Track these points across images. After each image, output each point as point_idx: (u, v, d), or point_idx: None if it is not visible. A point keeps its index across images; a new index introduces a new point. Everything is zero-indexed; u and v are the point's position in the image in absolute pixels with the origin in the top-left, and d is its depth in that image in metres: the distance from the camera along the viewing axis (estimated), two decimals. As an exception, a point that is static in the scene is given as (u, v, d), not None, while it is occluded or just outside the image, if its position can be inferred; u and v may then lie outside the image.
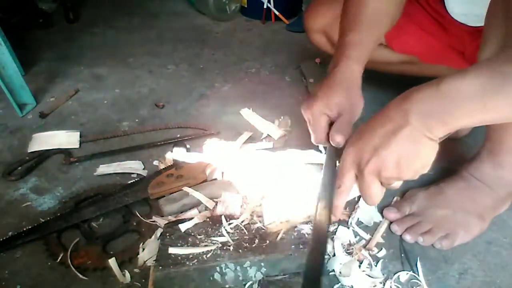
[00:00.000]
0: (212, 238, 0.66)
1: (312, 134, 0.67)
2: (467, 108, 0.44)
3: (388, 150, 0.49)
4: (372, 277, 0.67)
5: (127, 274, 0.67)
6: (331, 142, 0.62)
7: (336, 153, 0.62)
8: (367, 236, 0.74)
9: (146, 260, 0.69)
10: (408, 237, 0.73)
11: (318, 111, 0.65)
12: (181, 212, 0.77)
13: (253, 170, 0.84)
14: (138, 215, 0.77)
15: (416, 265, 0.69)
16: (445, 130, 0.47)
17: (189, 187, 0.79)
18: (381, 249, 0.72)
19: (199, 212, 0.76)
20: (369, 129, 0.51)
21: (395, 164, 0.49)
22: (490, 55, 0.55)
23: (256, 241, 0.65)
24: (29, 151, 0.95)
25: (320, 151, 0.85)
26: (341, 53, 0.67)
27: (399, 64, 0.98)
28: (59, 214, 0.77)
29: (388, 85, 1.17)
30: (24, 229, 0.74)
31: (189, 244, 0.64)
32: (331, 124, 0.65)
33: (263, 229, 0.68)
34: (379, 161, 0.50)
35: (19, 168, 0.91)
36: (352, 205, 0.78)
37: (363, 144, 0.51)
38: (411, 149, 0.48)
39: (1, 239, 0.72)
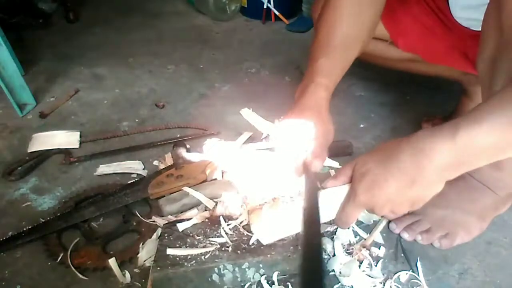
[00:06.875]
0: (211, 239, 0.66)
1: (286, 164, 0.64)
2: (485, 158, 0.46)
3: (403, 199, 0.52)
4: (372, 277, 0.67)
5: (127, 274, 0.67)
6: (311, 168, 0.60)
7: (315, 178, 0.60)
8: (367, 236, 0.74)
9: (145, 260, 0.69)
10: (406, 235, 0.73)
11: (291, 138, 0.63)
12: (181, 212, 0.77)
13: (253, 170, 0.84)
14: (138, 215, 0.77)
15: (416, 265, 0.69)
16: (459, 174, 0.49)
17: (189, 187, 0.79)
18: (380, 247, 0.72)
19: (199, 212, 0.76)
20: (380, 178, 0.51)
21: (409, 205, 0.53)
22: (487, 60, 0.56)
23: (255, 242, 0.65)
24: (29, 151, 0.95)
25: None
26: (311, 79, 0.67)
27: (403, 62, 0.98)
28: (59, 214, 0.77)
29: (389, 85, 1.17)
30: (24, 229, 0.74)
31: (187, 245, 0.64)
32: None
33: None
34: (395, 206, 0.53)
35: (19, 168, 0.91)
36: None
37: (376, 196, 0.52)
38: (424, 194, 0.51)
39: (1, 239, 0.72)
